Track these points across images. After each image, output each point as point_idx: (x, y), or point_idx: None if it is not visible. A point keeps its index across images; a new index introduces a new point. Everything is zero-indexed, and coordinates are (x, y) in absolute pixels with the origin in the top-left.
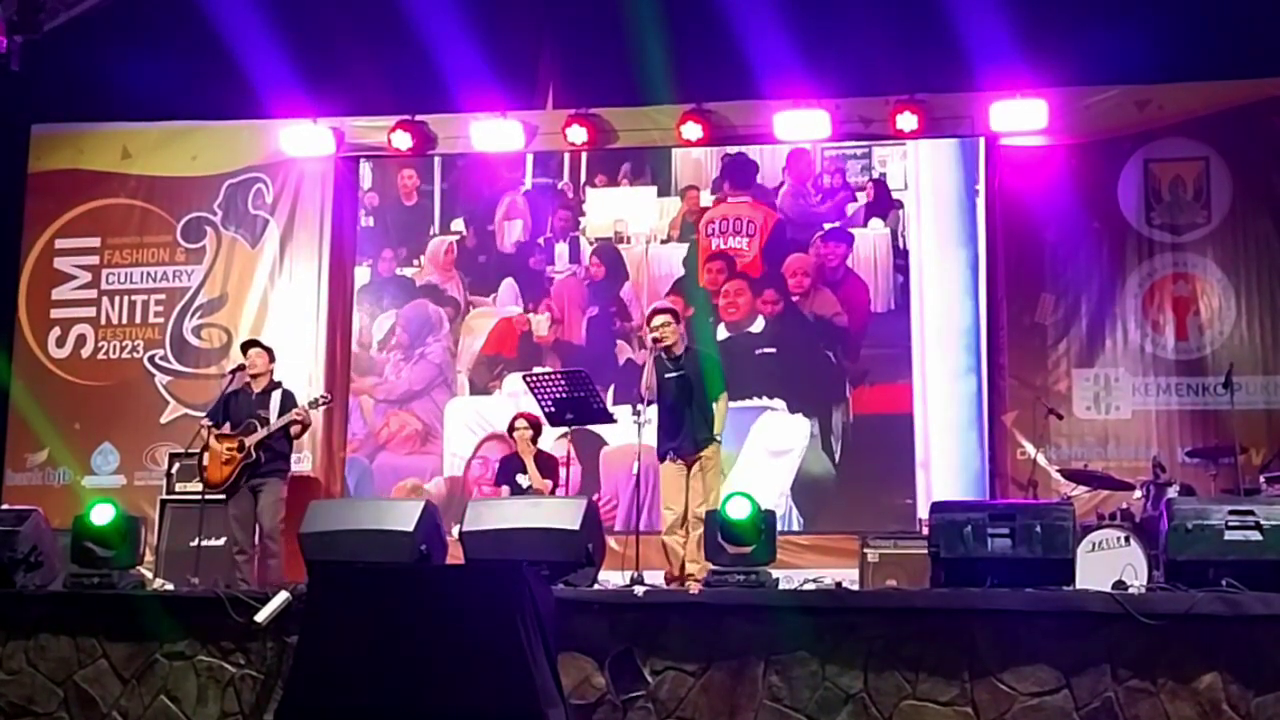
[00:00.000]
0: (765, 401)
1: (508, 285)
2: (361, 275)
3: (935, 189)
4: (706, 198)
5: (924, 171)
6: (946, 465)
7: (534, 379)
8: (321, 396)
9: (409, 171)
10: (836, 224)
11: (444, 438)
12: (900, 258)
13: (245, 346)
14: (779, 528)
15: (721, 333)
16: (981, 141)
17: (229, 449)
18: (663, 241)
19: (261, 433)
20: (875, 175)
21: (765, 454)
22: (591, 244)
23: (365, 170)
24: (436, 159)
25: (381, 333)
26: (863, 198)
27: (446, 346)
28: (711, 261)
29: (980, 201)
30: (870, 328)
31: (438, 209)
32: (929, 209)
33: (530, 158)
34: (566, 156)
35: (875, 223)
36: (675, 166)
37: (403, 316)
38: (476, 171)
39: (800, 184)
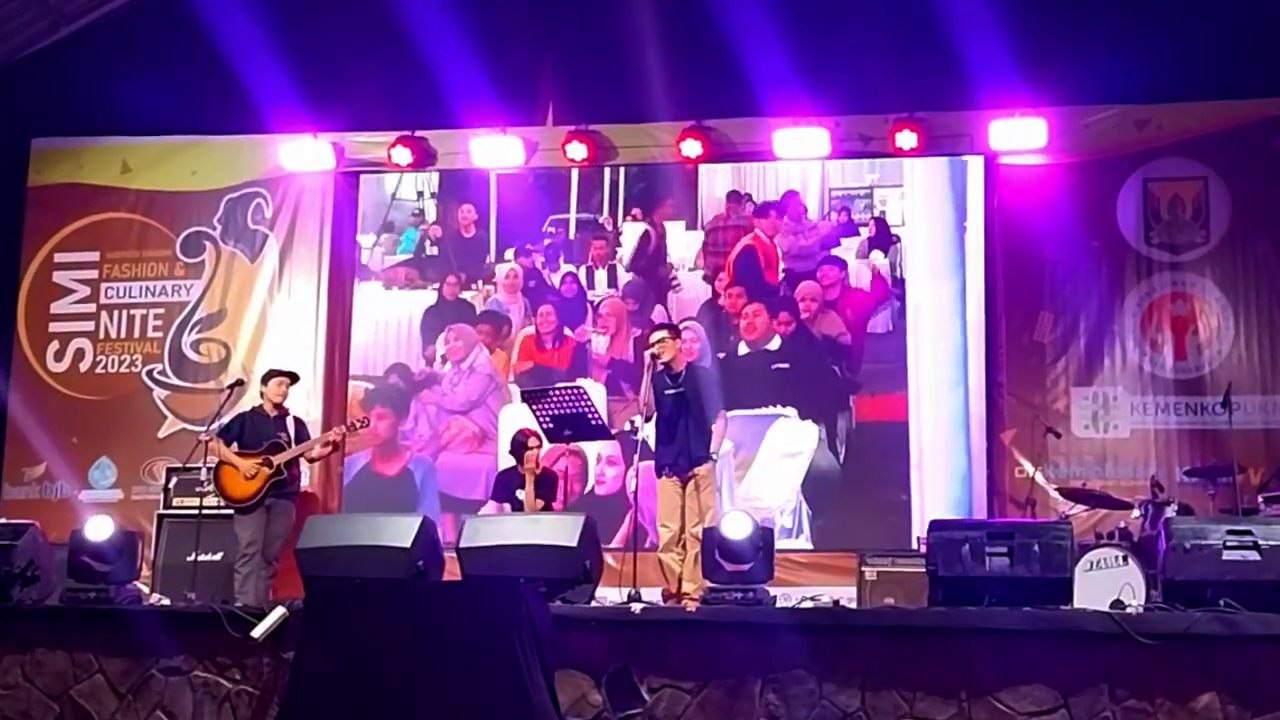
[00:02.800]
0: (779, 410)
1: (548, 309)
2: (428, 298)
3: (929, 227)
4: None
5: (920, 211)
6: (936, 466)
7: (532, 395)
8: (361, 419)
9: (468, 207)
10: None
11: (498, 441)
12: (898, 286)
13: (270, 375)
14: (791, 522)
15: (743, 349)
16: (981, 160)
17: (254, 465)
18: (690, 270)
19: (293, 451)
20: (876, 214)
21: (779, 456)
22: (628, 272)
23: (430, 205)
24: (493, 194)
25: (443, 349)
26: (865, 233)
27: (491, 359)
28: (732, 288)
29: (969, 236)
30: (869, 345)
31: (493, 240)
32: (923, 245)
33: (575, 192)
34: (606, 190)
35: (876, 254)
36: (701, 204)
37: (454, 334)
38: (526, 205)
39: (807, 218)
